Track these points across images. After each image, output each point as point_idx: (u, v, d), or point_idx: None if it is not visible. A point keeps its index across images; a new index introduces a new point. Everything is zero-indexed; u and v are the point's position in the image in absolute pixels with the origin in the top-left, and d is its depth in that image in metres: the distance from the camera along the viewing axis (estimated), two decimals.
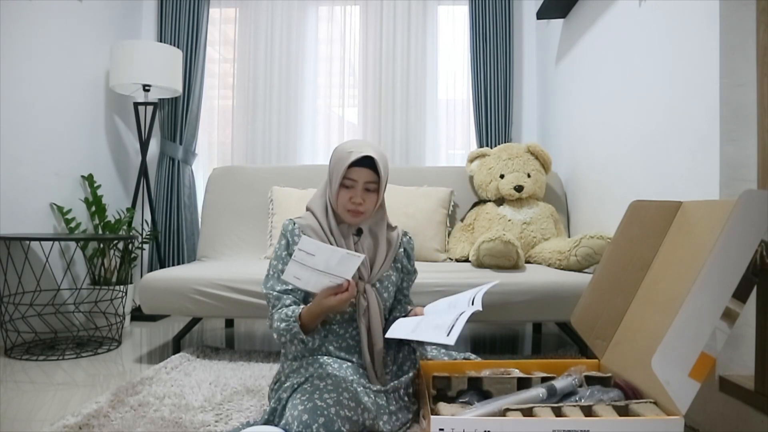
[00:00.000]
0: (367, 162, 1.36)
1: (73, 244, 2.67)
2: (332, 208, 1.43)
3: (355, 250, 1.41)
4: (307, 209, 1.48)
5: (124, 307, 2.58)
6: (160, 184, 3.25)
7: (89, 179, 2.80)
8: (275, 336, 1.35)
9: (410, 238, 1.57)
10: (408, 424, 1.33)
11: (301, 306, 1.34)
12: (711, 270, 1.09)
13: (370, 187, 1.38)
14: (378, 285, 1.44)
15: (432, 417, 1.10)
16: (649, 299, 1.37)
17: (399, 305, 1.56)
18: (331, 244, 1.39)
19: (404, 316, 1.48)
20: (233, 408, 1.51)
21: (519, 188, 2.45)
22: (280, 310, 1.34)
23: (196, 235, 3.27)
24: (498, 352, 2.43)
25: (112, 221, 2.85)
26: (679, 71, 1.63)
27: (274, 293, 1.37)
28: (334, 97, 3.42)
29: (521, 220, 2.42)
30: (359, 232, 1.45)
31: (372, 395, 1.26)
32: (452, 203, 2.63)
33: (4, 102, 2.30)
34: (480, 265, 2.14)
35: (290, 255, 1.37)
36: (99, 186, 2.83)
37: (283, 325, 1.30)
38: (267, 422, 1.24)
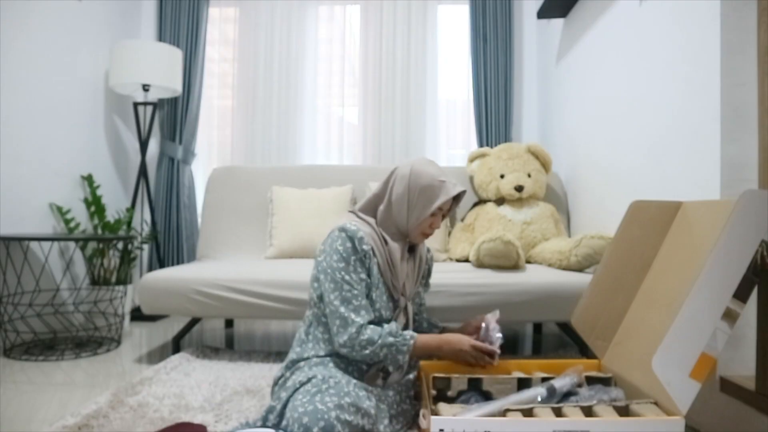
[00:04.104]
0: None
1: (72, 244, 2.67)
2: (386, 224, 1.42)
3: (407, 268, 1.43)
4: (359, 218, 1.44)
5: (123, 307, 2.58)
6: (160, 184, 3.24)
7: (89, 179, 2.80)
8: (364, 339, 1.27)
9: (432, 255, 1.61)
10: (408, 426, 1.33)
11: (413, 333, 1.34)
12: (711, 270, 1.09)
13: (445, 213, 1.45)
14: (410, 302, 1.47)
15: (432, 417, 1.10)
16: (650, 299, 1.37)
17: (417, 315, 1.60)
18: (386, 259, 1.37)
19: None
20: (233, 408, 1.51)
21: (519, 188, 2.45)
22: (384, 326, 1.31)
23: (196, 235, 3.27)
24: None
25: (112, 221, 2.84)
26: (680, 71, 1.62)
27: (355, 314, 1.30)
28: (334, 97, 3.42)
29: (521, 220, 2.41)
30: (410, 251, 1.48)
31: (373, 399, 1.26)
32: None
33: (4, 102, 2.30)
34: (480, 265, 2.14)
35: (359, 261, 1.32)
36: (98, 186, 2.83)
37: (390, 339, 1.28)
38: (264, 419, 1.24)
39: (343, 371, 1.32)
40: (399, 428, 1.30)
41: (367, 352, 1.27)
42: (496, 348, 1.36)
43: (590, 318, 1.47)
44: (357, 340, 1.27)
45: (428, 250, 1.58)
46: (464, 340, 1.34)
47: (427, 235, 1.43)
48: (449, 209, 1.46)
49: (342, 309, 1.28)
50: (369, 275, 1.34)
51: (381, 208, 1.42)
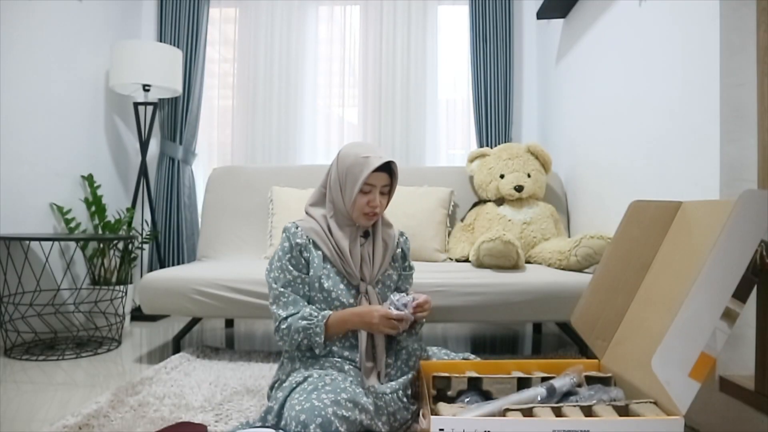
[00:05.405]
0: (382, 166, 1.38)
1: (72, 244, 2.67)
2: (333, 212, 1.44)
3: (362, 253, 1.43)
4: (307, 213, 1.49)
5: (124, 307, 2.58)
6: (160, 184, 3.25)
7: (89, 179, 2.80)
8: (284, 328, 1.35)
9: (407, 238, 1.59)
10: (407, 424, 1.33)
11: (328, 312, 1.36)
12: (711, 270, 1.09)
13: (384, 190, 1.43)
14: (380, 285, 1.46)
15: (432, 417, 1.10)
16: (649, 299, 1.37)
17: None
18: (333, 247, 1.40)
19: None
20: (233, 408, 1.51)
21: (519, 188, 2.45)
22: (302, 310, 1.36)
23: (196, 235, 3.27)
24: (498, 352, 2.43)
25: (112, 221, 2.84)
26: (680, 71, 1.63)
27: (281, 296, 1.38)
28: (334, 97, 3.42)
29: (521, 220, 2.42)
30: (366, 235, 1.47)
31: (371, 396, 1.26)
32: (452, 203, 2.63)
33: (4, 102, 2.30)
34: (480, 265, 2.14)
35: (293, 258, 1.39)
36: (99, 186, 2.83)
37: (303, 323, 1.33)
38: (262, 420, 1.24)
39: (339, 370, 1.33)
40: (397, 426, 1.31)
41: (287, 339, 1.35)
42: (406, 314, 1.34)
43: (590, 318, 1.47)
44: (279, 331, 1.36)
45: (401, 234, 1.57)
46: (374, 312, 1.33)
47: (370, 215, 1.41)
48: (389, 186, 1.44)
49: (273, 307, 1.38)
50: (309, 267, 1.39)
51: (327, 198, 1.46)
